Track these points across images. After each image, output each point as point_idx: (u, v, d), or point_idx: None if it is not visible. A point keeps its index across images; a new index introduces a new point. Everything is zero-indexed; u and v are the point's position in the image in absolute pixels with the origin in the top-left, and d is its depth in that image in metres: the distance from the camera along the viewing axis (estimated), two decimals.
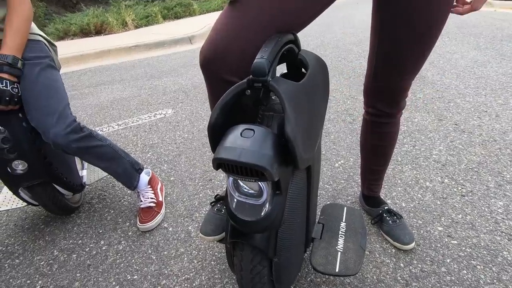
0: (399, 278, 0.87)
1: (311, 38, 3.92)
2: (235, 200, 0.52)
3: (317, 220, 0.85)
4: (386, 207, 1.02)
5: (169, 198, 1.28)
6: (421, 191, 1.19)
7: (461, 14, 0.62)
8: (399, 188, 1.22)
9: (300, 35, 4.15)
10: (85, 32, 5.34)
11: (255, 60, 0.48)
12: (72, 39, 5.28)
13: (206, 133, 1.80)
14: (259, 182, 0.48)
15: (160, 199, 1.21)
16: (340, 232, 0.79)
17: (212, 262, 0.97)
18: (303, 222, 0.68)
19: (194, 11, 6.92)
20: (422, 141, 1.52)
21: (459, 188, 1.18)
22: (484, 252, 0.92)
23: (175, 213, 1.20)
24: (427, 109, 1.82)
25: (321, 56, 3.10)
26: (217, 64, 0.57)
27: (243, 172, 0.45)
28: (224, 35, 0.56)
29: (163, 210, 1.19)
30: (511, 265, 0.87)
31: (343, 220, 0.82)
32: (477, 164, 1.30)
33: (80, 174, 1.28)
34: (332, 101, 2.07)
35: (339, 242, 0.76)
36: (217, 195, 0.92)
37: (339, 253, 0.73)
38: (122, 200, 1.30)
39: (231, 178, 0.50)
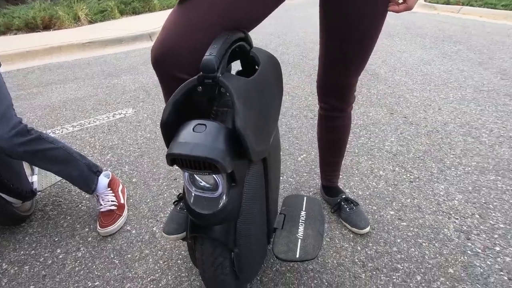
0: (356, 260, 0.94)
1: (273, 37, 3.99)
2: (193, 194, 0.52)
3: (279, 211, 0.89)
4: (343, 196, 1.09)
5: (131, 200, 1.24)
6: (376, 179, 1.29)
7: (397, 12, 0.68)
8: (356, 178, 1.30)
9: (262, 34, 4.20)
10: (30, 27, 4.89)
11: (204, 57, 0.49)
12: (16, 34, 4.82)
13: None
14: (213, 175, 0.49)
15: (122, 201, 1.17)
16: (300, 221, 0.83)
17: (179, 261, 0.96)
18: (263, 213, 0.71)
19: (154, 7, 6.66)
20: (376, 133, 1.63)
21: (408, 175, 1.30)
22: (429, 230, 1.02)
23: (138, 215, 1.17)
24: (380, 104, 1.96)
25: (283, 54, 3.17)
26: (168, 62, 0.57)
27: (196, 166, 0.46)
28: (174, 33, 0.56)
29: (125, 213, 1.15)
30: (450, 240, 0.98)
31: (303, 209, 0.87)
32: (423, 153, 1.44)
33: (30, 180, 1.19)
34: (294, 98, 2.14)
35: (299, 230, 0.80)
36: (180, 193, 0.91)
37: (299, 240, 0.77)
38: (80, 206, 1.24)
39: (186, 173, 0.51)
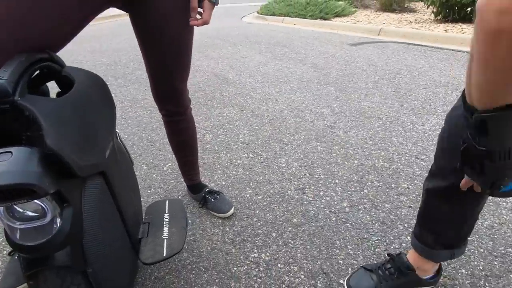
0: (226, 239, 1.07)
1: (125, 52, 3.80)
2: (18, 229, 0.49)
3: (143, 221, 0.91)
4: (207, 189, 1.21)
5: None
6: (235, 168, 1.47)
7: (196, 25, 0.82)
8: (219, 171, 1.45)
9: (112, 50, 3.91)
10: None
11: None
12: None
13: None
14: (35, 201, 0.48)
15: None
16: (164, 223, 0.88)
17: None
18: (119, 226, 0.72)
19: None
20: (231, 130, 1.85)
21: (259, 158, 1.55)
22: (278, 196, 1.27)
23: None
24: (232, 104, 2.22)
25: (136, 70, 3.08)
26: None
27: (9, 196, 0.44)
28: None
29: None
30: (292, 198, 1.25)
31: (166, 212, 0.92)
32: (268, 138, 1.74)
33: None
34: (152, 112, 2.13)
35: (164, 231, 0.85)
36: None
37: (165, 240, 0.82)
38: None
39: (1, 208, 0.48)
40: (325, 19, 5.86)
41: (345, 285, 0.88)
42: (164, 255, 0.78)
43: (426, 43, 3.80)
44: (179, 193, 1.32)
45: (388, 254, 0.89)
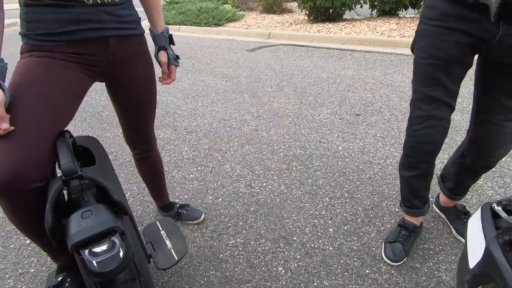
0: (206, 238, 1.36)
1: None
2: (95, 263, 0.70)
3: (145, 242, 1.13)
4: (177, 205, 1.46)
5: None
6: (190, 182, 1.74)
7: (167, 84, 1.09)
8: (178, 188, 1.70)
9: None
10: None
11: (63, 165, 0.68)
12: None
13: None
14: (112, 238, 0.71)
15: None
16: (163, 238, 1.13)
17: None
18: (140, 246, 0.95)
19: None
20: (173, 149, 2.08)
21: (207, 169, 1.85)
22: (233, 195, 1.62)
23: None
24: (163, 125, 2.41)
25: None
26: (22, 177, 0.67)
27: (98, 239, 0.66)
28: (15, 156, 0.67)
29: None
30: (245, 193, 1.62)
31: (161, 229, 1.16)
32: (208, 150, 2.05)
33: None
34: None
35: (167, 243, 1.10)
36: (49, 287, 0.92)
37: (171, 248, 1.08)
38: None
39: (85, 251, 0.68)
40: (219, 25, 6.29)
41: (385, 259, 1.18)
42: (176, 258, 1.04)
43: (307, 43, 4.66)
44: (150, 215, 1.52)
45: (399, 225, 1.24)
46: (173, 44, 1.09)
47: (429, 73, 0.93)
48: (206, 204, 1.57)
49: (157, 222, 1.21)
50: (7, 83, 0.72)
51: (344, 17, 5.93)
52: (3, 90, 0.68)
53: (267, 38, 5.19)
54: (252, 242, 1.33)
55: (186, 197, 1.63)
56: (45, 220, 0.65)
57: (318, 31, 5.06)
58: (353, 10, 5.72)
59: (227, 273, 1.19)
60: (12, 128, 0.68)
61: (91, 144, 0.88)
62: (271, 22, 6.21)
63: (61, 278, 0.92)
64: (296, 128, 2.25)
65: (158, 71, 1.07)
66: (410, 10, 5.56)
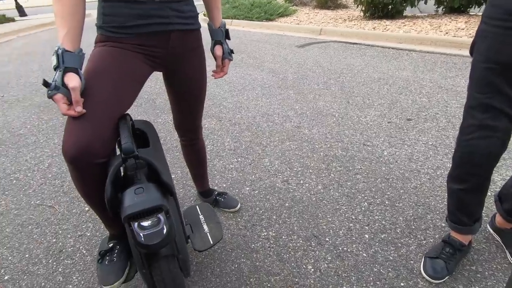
0: (240, 227, 1.42)
1: None
2: (142, 235, 0.78)
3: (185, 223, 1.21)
4: (216, 192, 1.53)
5: None
6: (230, 172, 1.81)
7: (219, 77, 1.15)
8: (217, 177, 1.78)
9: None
10: None
11: (124, 145, 0.76)
12: None
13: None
14: (158, 215, 0.78)
15: None
16: (201, 222, 1.20)
17: None
18: (180, 226, 1.03)
19: None
20: (216, 139, 2.17)
21: (247, 161, 1.90)
22: (270, 189, 1.65)
23: None
24: (210, 115, 2.52)
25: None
26: (86, 155, 0.76)
27: (147, 214, 0.74)
28: (84, 130, 0.77)
29: None
30: (281, 189, 1.64)
31: (200, 214, 1.24)
32: (249, 142, 2.10)
33: None
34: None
35: (204, 227, 1.17)
36: (101, 251, 1.05)
37: (208, 233, 1.15)
38: None
39: (135, 224, 0.76)
40: (270, 20, 6.30)
41: (424, 275, 1.11)
42: (212, 242, 1.11)
43: (360, 41, 4.45)
44: (190, 199, 1.62)
45: (443, 240, 1.15)
46: (229, 39, 1.14)
47: (486, 78, 0.85)
48: (242, 195, 1.62)
49: (197, 206, 1.29)
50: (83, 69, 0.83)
51: (404, 14, 5.53)
52: (80, 77, 0.78)
53: (318, 34, 5.07)
54: (284, 237, 1.35)
55: (224, 185, 1.70)
56: (105, 192, 0.74)
57: (373, 28, 4.80)
58: (415, 6, 5.30)
59: (257, 263, 1.23)
60: (85, 111, 0.78)
61: (147, 128, 0.96)
62: (324, 18, 6.04)
63: (111, 244, 1.04)
64: (340, 128, 2.19)
65: (211, 64, 1.13)
66: (484, 7, 4.98)
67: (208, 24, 1.12)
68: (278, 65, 3.63)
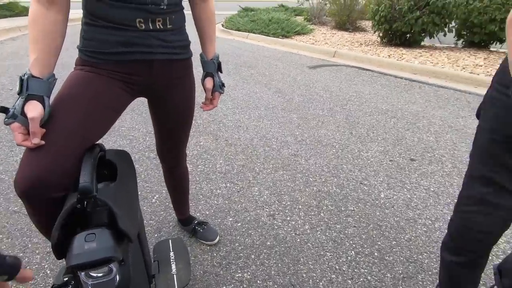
0: (215, 263, 1.33)
1: None
2: (90, 284, 0.71)
3: (152, 259, 1.13)
4: (195, 221, 1.45)
5: None
6: (216, 198, 1.73)
7: (208, 110, 1.08)
8: (202, 201, 1.70)
9: None
10: None
11: (81, 185, 0.68)
12: None
13: None
14: (109, 265, 0.70)
15: None
16: (171, 260, 1.11)
17: None
18: (143, 267, 0.95)
19: None
20: (208, 159, 2.10)
21: (235, 187, 1.82)
22: (253, 223, 1.56)
23: None
24: (206, 132, 2.46)
25: None
26: (41, 188, 0.71)
27: (97, 264, 0.66)
28: (41, 163, 0.71)
29: None
30: (265, 224, 1.55)
31: (171, 250, 1.16)
32: (242, 167, 2.02)
33: None
34: (132, 141, 2.30)
35: (172, 267, 1.09)
36: (54, 285, 0.97)
37: (175, 275, 1.06)
38: None
39: (82, 273, 0.69)
40: (286, 37, 6.30)
41: None
42: (176, 287, 1.02)
43: (373, 68, 4.37)
44: (170, 224, 1.54)
45: None
46: (221, 71, 1.08)
47: (490, 149, 0.75)
48: (224, 226, 1.53)
49: (170, 240, 1.20)
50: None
51: (422, 43, 5.43)
52: (44, 106, 0.73)
53: (332, 57, 5.02)
54: (259, 282, 1.25)
55: (208, 213, 1.62)
56: (51, 235, 0.67)
57: (388, 56, 4.72)
58: (434, 37, 5.20)
59: None
60: (43, 142, 0.72)
61: (120, 160, 0.89)
62: (340, 40, 6.00)
63: (66, 279, 0.97)
64: (338, 162, 2.09)
65: (202, 94, 1.07)
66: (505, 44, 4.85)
67: (200, 55, 1.06)
68: (286, 85, 3.58)
